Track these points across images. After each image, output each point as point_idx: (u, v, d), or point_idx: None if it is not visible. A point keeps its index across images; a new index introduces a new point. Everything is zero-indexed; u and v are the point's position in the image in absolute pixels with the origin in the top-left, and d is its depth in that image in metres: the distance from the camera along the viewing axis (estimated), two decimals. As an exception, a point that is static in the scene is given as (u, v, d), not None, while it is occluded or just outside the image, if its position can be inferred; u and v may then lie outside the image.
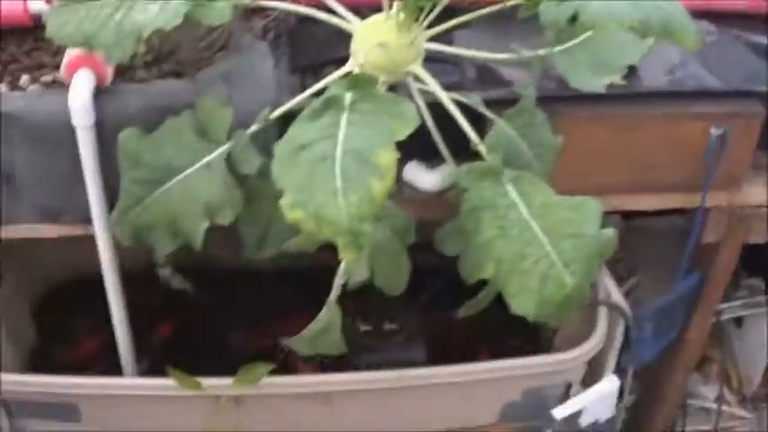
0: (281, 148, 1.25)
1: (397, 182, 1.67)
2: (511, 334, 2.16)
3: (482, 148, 1.43)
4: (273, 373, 1.65)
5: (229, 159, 1.45)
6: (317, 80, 1.52)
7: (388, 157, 1.18)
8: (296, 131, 1.26)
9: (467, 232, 1.40)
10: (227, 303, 2.21)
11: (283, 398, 1.69)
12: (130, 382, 1.71)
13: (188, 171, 1.47)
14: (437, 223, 1.59)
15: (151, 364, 2.04)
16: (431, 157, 1.65)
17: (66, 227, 1.62)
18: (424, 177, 1.68)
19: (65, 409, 1.70)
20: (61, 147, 1.52)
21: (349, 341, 1.99)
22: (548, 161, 1.56)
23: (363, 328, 2.07)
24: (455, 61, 1.69)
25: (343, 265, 1.39)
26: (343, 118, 1.24)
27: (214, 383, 1.65)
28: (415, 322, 2.09)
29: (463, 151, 1.53)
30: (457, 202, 1.48)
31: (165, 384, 1.63)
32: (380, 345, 2.02)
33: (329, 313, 1.40)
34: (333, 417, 1.75)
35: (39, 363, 2.10)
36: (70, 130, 1.49)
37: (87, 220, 1.60)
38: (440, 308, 2.20)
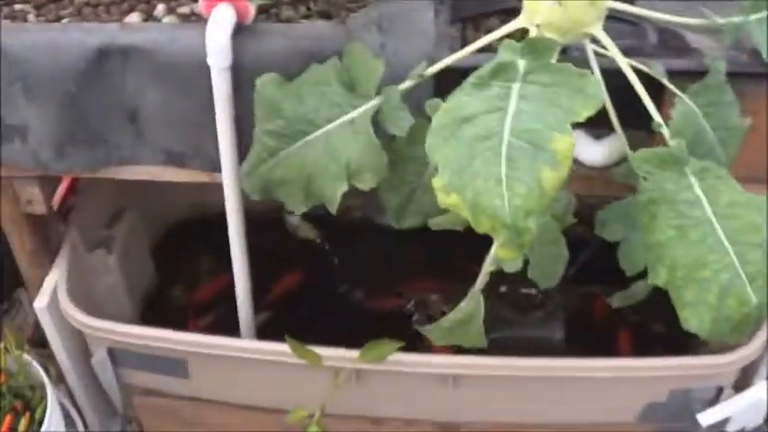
0: (439, 117, 1.09)
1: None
2: (656, 316, 1.99)
3: (665, 132, 1.23)
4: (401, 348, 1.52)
5: (377, 117, 1.31)
6: (479, 33, 1.35)
7: (565, 142, 1.00)
8: (458, 100, 1.08)
9: (637, 225, 1.22)
10: (354, 256, 2.10)
11: (408, 376, 1.57)
12: (244, 344, 1.61)
13: (329, 127, 1.33)
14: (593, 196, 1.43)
15: (272, 316, 1.97)
16: (596, 126, 1.46)
17: (191, 173, 1.51)
18: (588, 149, 1.49)
19: (173, 365, 1.62)
20: (193, 87, 1.40)
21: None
22: (732, 148, 1.34)
23: (501, 288, 1.94)
24: (635, 21, 1.48)
25: (493, 252, 1.23)
26: (515, 90, 1.07)
27: (334, 355, 1.54)
28: (557, 294, 1.93)
29: (631, 122, 1.34)
30: (625, 181, 1.31)
31: (280, 350, 1.52)
32: (517, 318, 1.88)
33: (472, 303, 1.25)
34: (458, 401, 1.62)
35: (156, 304, 2.05)
36: (204, 71, 1.36)
37: (215, 168, 1.50)
38: (584, 280, 2.06)
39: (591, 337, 1.97)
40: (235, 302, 1.68)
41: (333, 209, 1.35)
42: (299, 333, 1.99)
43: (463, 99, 1.08)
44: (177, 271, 2.11)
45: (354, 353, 1.52)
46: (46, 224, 1.67)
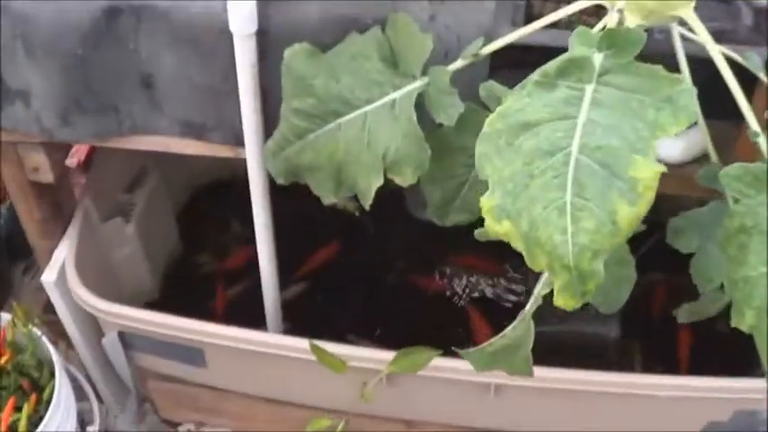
0: (493, 121, 0.90)
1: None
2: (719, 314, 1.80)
3: (763, 143, 1.02)
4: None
5: (421, 101, 1.13)
6: (545, 8, 1.15)
7: (649, 170, 0.81)
8: (517, 101, 0.89)
9: (714, 236, 1.03)
10: (393, 229, 1.93)
11: (445, 382, 1.40)
12: (266, 339, 1.45)
13: (366, 109, 1.16)
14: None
15: (306, 288, 1.84)
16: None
17: (212, 146, 1.35)
18: (663, 143, 1.29)
19: (189, 353, 1.48)
20: (214, 54, 1.24)
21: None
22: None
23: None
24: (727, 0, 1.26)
25: (546, 276, 1.04)
26: (588, 93, 0.87)
27: (362, 359, 1.37)
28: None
29: (715, 110, 1.14)
30: (708, 186, 1.11)
31: (304, 347, 1.37)
32: (569, 312, 1.69)
33: (521, 328, 1.07)
34: (499, 410, 1.46)
35: (181, 272, 1.90)
36: (227, 36, 1.20)
37: (238, 142, 1.33)
38: (643, 268, 1.87)
39: (648, 333, 1.79)
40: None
41: (366, 203, 1.18)
42: (333, 309, 1.89)
43: (524, 101, 0.88)
44: (205, 237, 1.96)
45: (386, 356, 1.36)
46: (55, 192, 1.52)
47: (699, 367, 1.70)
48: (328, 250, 1.92)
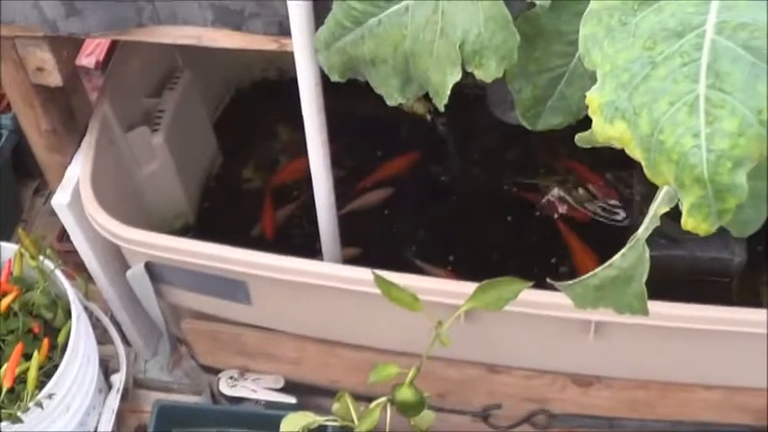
0: (599, -3, 0.82)
1: None
2: None
3: None
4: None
5: (503, -26, 1.05)
6: None
7: (810, 51, 0.72)
8: (632, -31, 0.81)
9: None
10: (470, 138, 1.86)
11: (536, 319, 1.34)
12: (321, 269, 1.40)
13: (439, -15, 1.08)
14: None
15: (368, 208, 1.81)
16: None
17: (252, 38, 1.29)
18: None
19: (230, 287, 1.43)
20: None
21: (642, 215, 1.63)
22: None
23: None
24: None
25: (665, 190, 0.97)
26: (728, -48, 0.78)
27: (438, 296, 1.32)
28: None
29: None
30: None
31: (366, 278, 1.31)
32: (685, 233, 1.61)
33: (631, 257, 1.00)
34: (599, 352, 1.41)
35: (221, 189, 1.88)
36: None
37: (282, 32, 1.27)
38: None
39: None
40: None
41: (440, 104, 1.11)
42: (401, 231, 1.84)
43: (641, -34, 0.80)
44: (248, 147, 1.92)
45: (465, 289, 1.30)
46: (66, 98, 1.48)
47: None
48: (394, 163, 1.87)
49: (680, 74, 0.76)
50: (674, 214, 1.59)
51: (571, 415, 1.57)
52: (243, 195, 1.87)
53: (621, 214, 1.83)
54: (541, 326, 1.39)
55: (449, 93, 1.10)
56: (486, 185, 1.85)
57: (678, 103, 0.76)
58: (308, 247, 1.65)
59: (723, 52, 0.75)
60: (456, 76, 1.09)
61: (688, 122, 0.75)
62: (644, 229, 1.00)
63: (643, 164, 0.79)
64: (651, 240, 1.62)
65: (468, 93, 1.73)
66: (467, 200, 1.84)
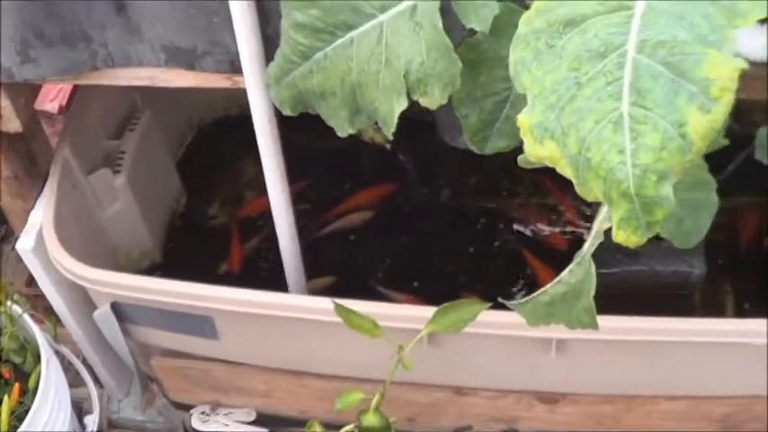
0: (530, 19, 0.85)
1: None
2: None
3: None
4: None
5: (448, 4, 1.07)
6: None
7: (727, 66, 0.75)
8: (558, -7, 0.84)
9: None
10: (433, 164, 1.89)
11: (498, 339, 1.36)
12: (285, 300, 1.42)
13: (381, 17, 1.11)
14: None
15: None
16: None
17: (205, 76, 1.32)
18: (748, 39, 1.23)
19: (197, 323, 1.45)
20: (197, -40, 1.20)
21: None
22: None
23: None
24: None
25: (605, 209, 0.99)
26: (646, -23, 0.81)
27: (398, 322, 1.33)
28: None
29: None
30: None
31: (330, 308, 1.33)
32: (646, 248, 1.63)
33: (579, 272, 1.02)
34: (562, 369, 1.43)
35: (187, 227, 1.89)
36: (211, -60, 1.16)
37: (234, 69, 1.30)
38: (729, 191, 1.83)
39: (737, 267, 1.76)
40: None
41: (388, 131, 1.14)
42: (364, 260, 1.87)
43: (566, -10, 0.83)
44: (213, 184, 1.94)
45: (425, 313, 1.32)
46: (26, 143, 1.49)
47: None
48: (366, 193, 1.91)
49: (604, 93, 0.79)
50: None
51: (539, 433, 1.60)
52: (209, 232, 1.89)
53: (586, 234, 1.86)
54: (504, 346, 1.41)
55: (396, 121, 1.13)
56: (449, 211, 1.88)
57: (603, 122, 0.79)
58: (276, 279, 1.65)
59: (644, 70, 0.78)
60: (402, 105, 1.12)
61: (613, 139, 0.78)
62: (589, 245, 1.03)
63: (574, 181, 0.81)
64: (611, 257, 1.66)
65: (423, 120, 1.76)
66: (430, 226, 1.86)
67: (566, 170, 0.81)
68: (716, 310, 1.71)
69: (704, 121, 0.75)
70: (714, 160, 1.67)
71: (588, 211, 1.86)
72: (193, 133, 1.98)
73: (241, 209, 1.91)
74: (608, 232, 1.60)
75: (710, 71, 0.75)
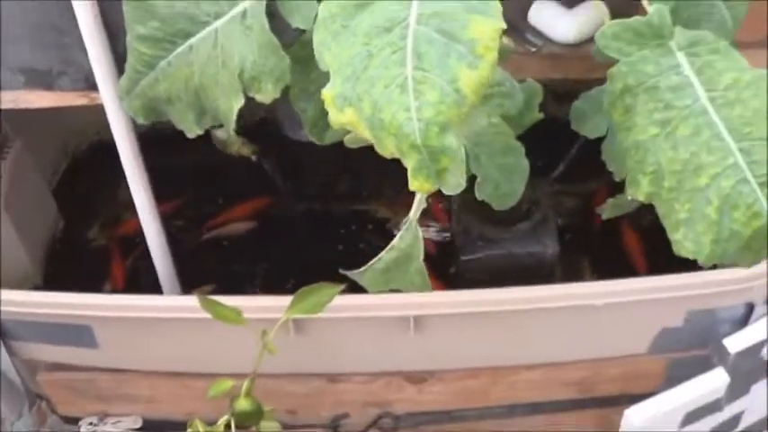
0: (327, 5, 0.95)
1: (517, 30, 1.36)
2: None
3: (644, -2, 1.08)
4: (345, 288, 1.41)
5: (273, 7, 1.18)
6: None
7: (487, 28, 0.86)
8: (349, -21, 0.95)
9: (612, 121, 1.09)
10: (301, 173, 1.98)
11: (357, 322, 1.45)
12: (153, 302, 1.49)
13: (216, 24, 1.21)
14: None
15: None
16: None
17: (63, 95, 1.39)
18: (558, 21, 1.36)
19: (76, 333, 1.51)
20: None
21: (460, 223, 1.75)
22: (740, 8, 1.19)
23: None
24: None
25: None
26: (422, -40, 0.93)
27: (259, 307, 1.42)
28: (545, 198, 1.80)
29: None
30: (606, 61, 1.17)
31: (194, 305, 1.40)
32: (500, 232, 1.74)
33: (408, 237, 1.13)
34: (423, 346, 1.52)
35: (67, 251, 1.94)
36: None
37: (90, 87, 1.37)
38: (578, 175, 1.94)
39: (593, 245, 1.88)
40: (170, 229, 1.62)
41: (229, 127, 1.23)
42: (240, 269, 1.95)
43: (355, -24, 0.94)
44: (91, 208, 2.00)
45: (284, 301, 1.40)
46: None
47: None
48: (243, 207, 1.98)
49: (391, 61, 0.90)
50: (487, 217, 1.74)
51: (412, 414, 1.67)
52: (89, 255, 1.94)
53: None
54: (364, 328, 1.49)
55: (235, 118, 1.22)
56: (320, 216, 1.97)
57: (392, 86, 0.89)
58: (156, 292, 1.72)
59: (422, 37, 0.89)
60: (240, 102, 1.21)
61: (400, 100, 0.88)
62: (414, 212, 1.13)
63: (373, 141, 0.91)
64: (473, 244, 1.75)
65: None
66: (303, 232, 1.95)
67: (365, 133, 0.91)
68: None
69: (473, 76, 0.86)
70: (561, 147, 1.83)
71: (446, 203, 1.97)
72: (68, 160, 2.03)
73: (118, 229, 1.97)
74: (468, 219, 1.69)
75: (475, 33, 0.86)
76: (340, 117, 0.91)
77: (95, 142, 2.02)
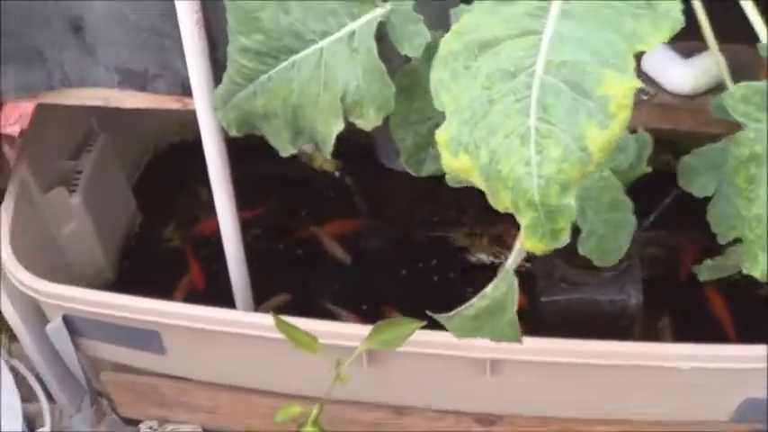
0: (448, 42, 0.89)
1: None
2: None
3: (777, 57, 1.00)
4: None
5: (383, 31, 1.11)
6: None
7: (622, 85, 0.79)
8: (475, 18, 0.88)
9: (733, 187, 1.01)
10: (384, 194, 1.93)
11: (433, 359, 1.39)
12: (228, 316, 1.43)
13: (321, 43, 1.14)
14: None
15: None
16: (683, 38, 1.25)
17: (156, 98, 1.35)
18: (672, 71, 1.28)
19: (144, 337, 1.47)
20: (148, -12, 1.24)
21: (543, 263, 1.69)
22: None
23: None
24: None
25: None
26: (554, 4, 0.85)
27: (337, 339, 1.36)
28: (633, 245, 1.73)
29: (733, 31, 1.12)
30: (723, 117, 1.09)
31: (267, 324, 1.35)
32: (583, 277, 1.67)
33: (503, 286, 1.06)
34: (497, 390, 1.46)
35: (142, 248, 1.92)
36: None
37: (185, 91, 1.33)
38: (667, 226, 1.86)
39: (676, 299, 1.80)
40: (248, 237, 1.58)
41: (326, 151, 1.17)
42: (318, 282, 1.90)
43: (482, 17, 0.87)
44: (169, 207, 1.96)
45: (364, 331, 1.35)
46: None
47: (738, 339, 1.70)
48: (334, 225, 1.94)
49: (513, 109, 0.83)
50: (572, 260, 1.67)
51: (477, 454, 1.62)
52: (163, 254, 1.91)
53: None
54: (439, 366, 1.43)
55: (333, 142, 1.16)
56: (399, 237, 1.91)
57: (512, 135, 0.82)
58: (229, 295, 1.68)
59: (549, 88, 0.82)
60: (339, 126, 1.15)
61: (520, 152, 0.81)
62: (512, 261, 1.06)
63: (486, 192, 0.85)
64: (555, 286, 1.68)
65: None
66: (380, 252, 1.89)
67: (478, 181, 0.84)
68: (654, 340, 1.75)
69: (602, 136, 0.79)
70: (651, 195, 1.75)
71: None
72: (149, 157, 2.01)
73: (194, 229, 1.93)
74: (550, 262, 1.64)
75: (608, 89, 0.79)
76: (453, 162, 0.85)
77: (178, 142, 1.99)
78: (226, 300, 1.57)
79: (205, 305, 1.46)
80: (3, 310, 1.58)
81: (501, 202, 0.84)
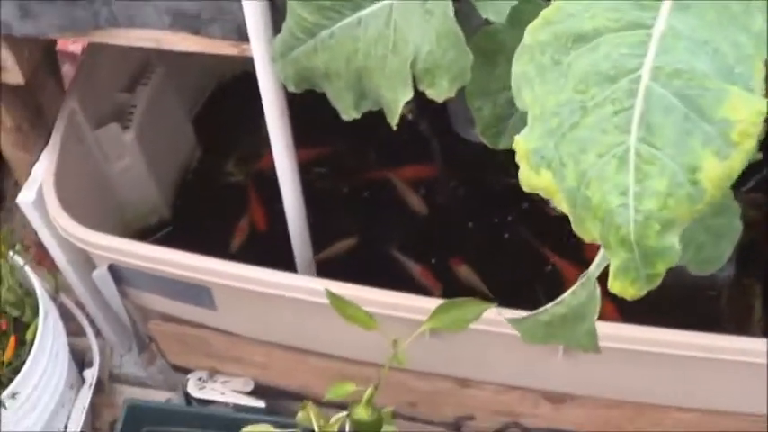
0: (535, 29, 0.74)
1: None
2: None
3: None
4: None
5: (462, -7, 0.97)
6: None
7: (750, 107, 0.64)
8: (569, 2, 0.73)
9: None
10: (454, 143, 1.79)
11: (500, 337, 1.27)
12: (283, 280, 1.31)
13: (391, 0, 0.99)
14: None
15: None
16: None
17: (210, 42, 1.23)
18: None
19: (194, 292, 1.37)
20: None
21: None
22: None
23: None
24: None
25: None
26: (671, -8, 0.70)
27: (397, 311, 1.25)
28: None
29: None
30: None
31: (321, 290, 1.24)
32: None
33: (582, 294, 0.93)
34: (567, 372, 1.34)
35: (200, 184, 1.80)
36: None
37: (241, 37, 1.20)
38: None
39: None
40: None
41: (392, 121, 1.04)
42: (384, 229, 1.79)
43: (578, 3, 0.72)
44: (231, 140, 1.84)
45: (427, 304, 1.23)
46: (31, 95, 1.41)
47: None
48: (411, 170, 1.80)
49: (610, 123, 0.68)
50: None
51: (544, 429, 1.50)
52: (223, 190, 1.80)
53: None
54: (509, 345, 1.31)
55: (400, 111, 1.03)
56: (471, 188, 1.77)
57: (607, 156, 0.68)
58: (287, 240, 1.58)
59: (658, 101, 0.67)
60: (407, 95, 1.01)
61: (616, 178, 0.67)
62: (596, 266, 0.92)
63: (570, 218, 0.71)
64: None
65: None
66: (455, 201, 1.76)
67: (562, 205, 0.71)
68: (743, 313, 1.61)
69: (720, 169, 0.63)
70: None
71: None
72: (211, 88, 1.88)
73: (257, 164, 1.81)
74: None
75: (732, 112, 0.63)
76: (533, 179, 0.71)
77: (240, 73, 1.83)
78: (287, 244, 1.47)
79: (264, 249, 1.38)
80: (49, 250, 1.50)
81: (587, 233, 0.70)
